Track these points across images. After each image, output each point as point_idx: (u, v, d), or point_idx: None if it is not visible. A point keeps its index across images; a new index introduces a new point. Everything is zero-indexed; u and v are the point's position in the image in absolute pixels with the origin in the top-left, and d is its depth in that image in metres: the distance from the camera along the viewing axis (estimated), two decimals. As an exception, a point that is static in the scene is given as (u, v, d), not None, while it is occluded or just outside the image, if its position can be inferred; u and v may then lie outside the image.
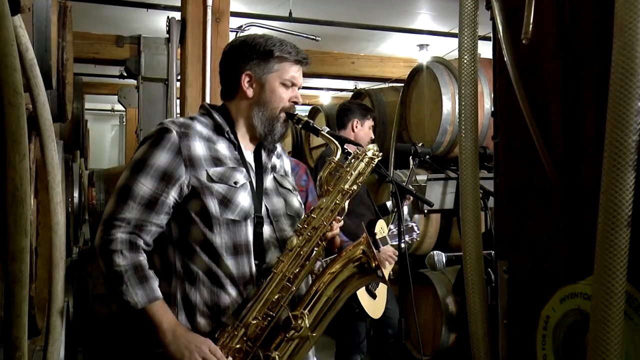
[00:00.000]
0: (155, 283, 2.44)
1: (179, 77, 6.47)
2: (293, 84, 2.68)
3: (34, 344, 2.92)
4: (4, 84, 1.70)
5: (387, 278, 2.65)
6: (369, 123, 5.52)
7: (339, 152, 2.63)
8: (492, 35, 1.80)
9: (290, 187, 2.79)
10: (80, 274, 5.03)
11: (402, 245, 4.51)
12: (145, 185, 2.44)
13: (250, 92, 2.64)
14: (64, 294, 2.71)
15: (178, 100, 6.56)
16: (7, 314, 1.81)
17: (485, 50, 2.52)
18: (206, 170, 2.49)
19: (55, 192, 2.56)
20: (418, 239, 5.05)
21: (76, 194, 6.54)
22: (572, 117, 1.54)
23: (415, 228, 4.99)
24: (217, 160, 2.54)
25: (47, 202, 2.59)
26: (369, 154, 2.66)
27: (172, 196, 2.46)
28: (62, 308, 2.63)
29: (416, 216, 6.35)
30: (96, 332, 4.81)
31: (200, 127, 2.58)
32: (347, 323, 5.19)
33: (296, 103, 2.69)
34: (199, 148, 2.52)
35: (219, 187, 2.48)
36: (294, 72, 2.68)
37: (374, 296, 4.95)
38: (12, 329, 1.81)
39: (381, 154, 2.74)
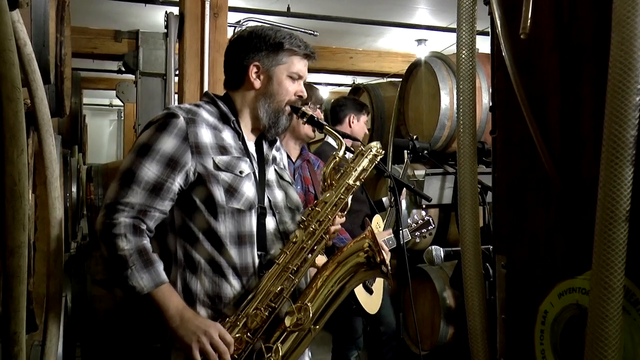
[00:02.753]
0: (160, 267, 2.42)
1: (177, 72, 6.47)
2: (299, 77, 2.69)
3: (32, 339, 2.92)
4: (2, 78, 1.69)
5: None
6: (364, 118, 5.58)
7: (343, 148, 2.64)
8: (490, 30, 1.80)
9: (290, 180, 2.80)
10: (79, 269, 5.03)
11: (411, 239, 4.52)
12: (150, 170, 2.42)
13: (257, 84, 2.65)
14: (62, 289, 2.71)
15: (176, 95, 6.56)
16: (6, 309, 1.81)
17: (483, 45, 2.52)
18: (212, 158, 2.48)
19: (53, 187, 2.56)
20: (432, 233, 4.99)
21: (74, 189, 6.55)
22: (570, 112, 1.54)
23: (431, 221, 4.94)
24: (223, 149, 2.54)
25: (45, 197, 2.59)
26: (373, 151, 2.69)
27: (178, 182, 2.45)
28: (60, 303, 2.63)
29: (414, 211, 6.35)
30: (94, 327, 4.81)
31: (207, 115, 2.58)
32: (344, 319, 5.20)
33: (301, 97, 2.70)
34: (205, 135, 2.51)
35: (225, 176, 2.48)
36: (302, 66, 2.70)
37: (370, 292, 4.94)
38: (10, 324, 1.81)
39: (384, 151, 2.76)
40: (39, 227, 2.84)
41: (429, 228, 4.86)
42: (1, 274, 1.83)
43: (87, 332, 4.82)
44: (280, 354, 2.45)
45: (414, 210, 4.96)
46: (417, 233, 4.81)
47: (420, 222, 4.83)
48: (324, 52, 9.88)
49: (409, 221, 4.91)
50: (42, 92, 2.45)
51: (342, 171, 2.63)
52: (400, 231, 4.07)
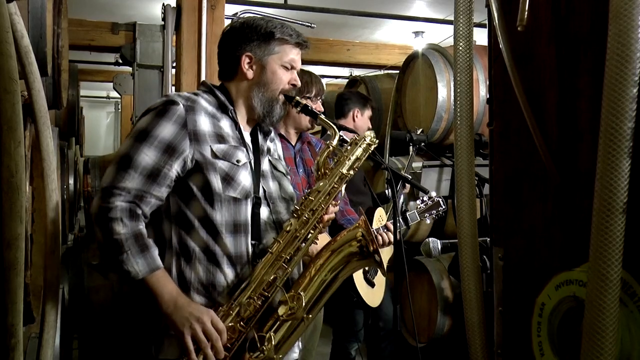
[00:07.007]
0: (155, 252, 2.42)
1: (174, 64, 6.46)
2: (292, 67, 2.70)
3: (29, 331, 2.92)
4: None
5: (385, 267, 2.65)
6: (368, 113, 5.55)
7: (337, 137, 2.64)
8: (487, 22, 1.79)
9: (284, 171, 2.81)
10: (76, 261, 5.03)
11: (400, 232, 4.50)
12: (148, 156, 2.42)
13: (250, 74, 2.66)
14: (59, 281, 2.71)
15: (173, 87, 6.55)
16: (3, 301, 1.81)
17: (480, 37, 2.52)
18: (210, 146, 2.49)
19: (50, 179, 2.56)
20: (443, 214, 4.78)
21: (71, 181, 6.55)
22: (567, 104, 1.54)
23: (442, 202, 4.76)
24: (220, 137, 2.55)
25: (42, 189, 2.58)
26: (367, 140, 2.70)
27: (175, 169, 2.45)
28: (57, 295, 2.63)
29: (411, 203, 6.35)
30: (91, 319, 4.82)
31: (205, 103, 2.59)
32: (345, 311, 5.20)
33: (295, 86, 2.71)
34: (204, 123, 2.52)
35: (222, 164, 2.49)
36: (294, 54, 2.70)
37: (372, 285, 4.94)
38: (7, 316, 1.81)
39: (377, 141, 2.77)
40: (36, 219, 2.84)
41: (439, 209, 4.62)
42: (-2, 266, 1.83)
43: (84, 323, 4.83)
44: (273, 342, 2.46)
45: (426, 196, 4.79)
46: (427, 214, 4.60)
47: (429, 203, 4.62)
48: (321, 44, 9.86)
49: (417, 202, 4.68)
50: (40, 84, 2.45)
51: (335, 160, 2.64)
52: (398, 224, 4.05)
